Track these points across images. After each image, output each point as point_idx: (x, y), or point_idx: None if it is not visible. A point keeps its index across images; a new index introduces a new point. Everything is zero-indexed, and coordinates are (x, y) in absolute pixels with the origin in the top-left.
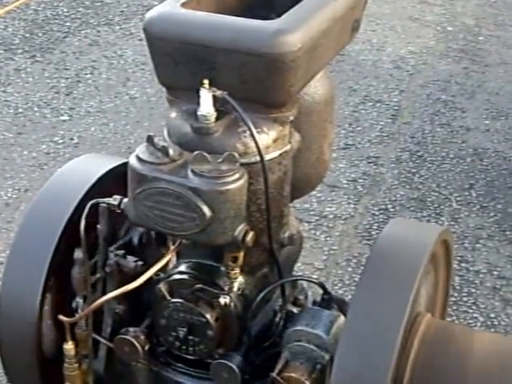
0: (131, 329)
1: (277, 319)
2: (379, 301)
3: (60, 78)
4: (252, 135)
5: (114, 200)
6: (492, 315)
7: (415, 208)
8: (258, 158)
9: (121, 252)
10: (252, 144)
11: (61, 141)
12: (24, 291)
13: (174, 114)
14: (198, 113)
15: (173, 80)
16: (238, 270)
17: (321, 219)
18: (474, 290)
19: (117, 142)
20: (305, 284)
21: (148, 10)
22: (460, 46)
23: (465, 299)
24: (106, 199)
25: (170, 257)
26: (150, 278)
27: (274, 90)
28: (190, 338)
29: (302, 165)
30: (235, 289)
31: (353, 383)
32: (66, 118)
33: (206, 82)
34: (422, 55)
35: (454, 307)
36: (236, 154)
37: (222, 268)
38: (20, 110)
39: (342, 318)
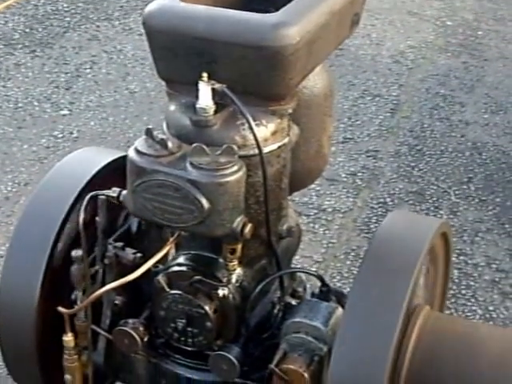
0: (130, 320)
1: (275, 311)
2: (377, 293)
3: (60, 72)
4: (250, 128)
5: (113, 192)
6: (491, 308)
7: (414, 201)
8: (256, 151)
9: (119, 244)
10: (250, 137)
11: (60, 135)
12: (23, 283)
13: (173, 107)
14: (197, 106)
15: (172, 73)
16: (236, 262)
17: (320, 212)
18: (472, 283)
19: (116, 135)
20: (303, 276)
21: (147, 4)
22: (459, 41)
23: (463, 292)
24: (104, 191)
25: (168, 248)
26: (149, 270)
27: (273, 83)
28: (189, 329)
29: (301, 158)
30: (234, 281)
31: (351, 375)
32: (65, 112)
33: (204, 75)
34: (421, 50)
35: (453, 300)
36: (234, 147)
37: (221, 260)
38: (20, 105)
39: (340, 310)
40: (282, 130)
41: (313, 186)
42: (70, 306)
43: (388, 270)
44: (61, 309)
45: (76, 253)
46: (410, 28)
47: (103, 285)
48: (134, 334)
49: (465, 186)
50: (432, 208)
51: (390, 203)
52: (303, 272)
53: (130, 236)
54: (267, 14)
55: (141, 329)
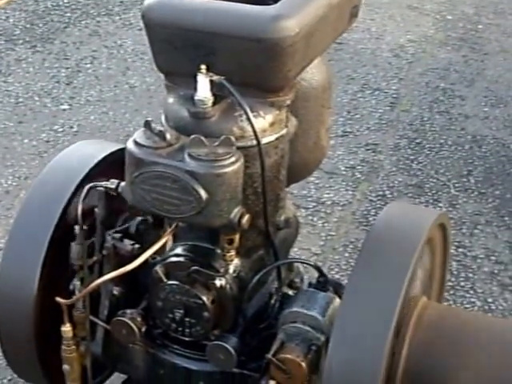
0: (128, 311)
1: (272, 301)
2: (374, 283)
3: (60, 67)
4: (248, 119)
5: (112, 183)
6: (489, 300)
7: (413, 194)
8: (254, 142)
9: (118, 235)
10: (249, 128)
11: (61, 129)
12: (22, 274)
13: (171, 100)
14: (195, 97)
15: (171, 66)
16: (233, 253)
17: (318, 205)
18: (471, 275)
19: (116, 130)
20: (301, 268)
21: None
22: (459, 35)
23: (462, 284)
24: (103, 183)
25: (166, 239)
26: (147, 261)
27: (272, 75)
28: (186, 319)
29: (300, 149)
30: (231, 271)
31: (348, 365)
32: (66, 107)
33: (203, 67)
34: (421, 44)
35: (452, 292)
36: (232, 138)
37: (218, 250)
38: (21, 100)
39: (338, 300)
40: (280, 122)
41: (312, 178)
42: (69, 296)
43: (385, 261)
44: (59, 299)
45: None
46: (410, 22)
47: (101, 275)
48: (132, 325)
49: (464, 179)
50: (431, 201)
51: (389, 196)
52: (300, 262)
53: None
54: (266, 7)
55: (138, 319)
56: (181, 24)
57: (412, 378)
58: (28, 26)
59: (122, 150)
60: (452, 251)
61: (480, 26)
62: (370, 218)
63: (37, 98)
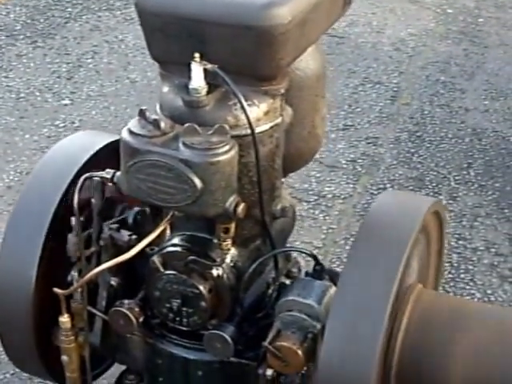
0: (126, 301)
1: (270, 291)
2: (369, 271)
3: (61, 62)
4: (242, 108)
5: (107, 173)
6: (489, 291)
7: (414, 187)
8: (248, 131)
9: (115, 226)
10: (243, 117)
11: (62, 124)
12: (20, 265)
13: (166, 88)
14: (190, 86)
15: (164, 54)
16: (229, 242)
17: (320, 199)
18: (471, 267)
19: (117, 125)
20: (299, 258)
21: None
22: (460, 28)
23: (462, 276)
24: (99, 173)
25: (162, 228)
26: (145, 251)
27: (265, 63)
28: (184, 309)
29: (295, 139)
30: (228, 260)
31: (343, 352)
32: (67, 102)
33: (196, 55)
34: (421, 37)
35: (452, 284)
36: (226, 126)
37: (215, 240)
38: (22, 95)
39: (334, 288)
40: (274, 110)
41: (313, 172)
42: (67, 288)
43: (380, 248)
44: (56, 290)
45: (73, 235)
46: (411, 16)
47: (98, 266)
48: (130, 315)
49: (464, 172)
50: (432, 193)
51: (390, 189)
52: (296, 251)
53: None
54: None
55: (136, 309)
56: (174, 12)
57: (408, 364)
58: (29, 21)
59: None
60: (452, 243)
61: (480, 20)
62: None
63: (38, 94)
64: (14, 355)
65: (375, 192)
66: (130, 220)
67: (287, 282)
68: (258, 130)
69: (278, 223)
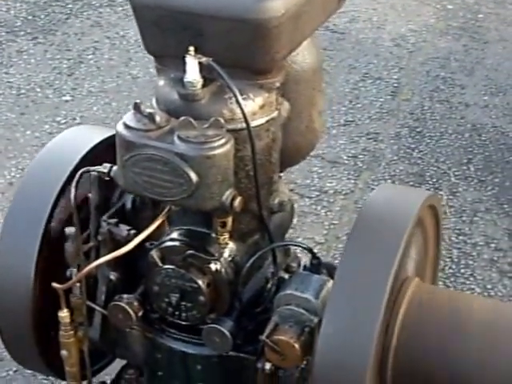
0: (125, 296)
1: (269, 285)
2: (365, 264)
3: (62, 59)
4: (237, 101)
5: (104, 168)
6: (489, 286)
7: (414, 183)
8: (244, 125)
9: (113, 220)
10: (238, 110)
11: (63, 121)
12: (18, 261)
13: (161, 82)
14: (185, 80)
15: (159, 48)
16: (227, 236)
17: (321, 194)
18: (471, 262)
19: (119, 121)
20: (301, 254)
21: None
22: (460, 24)
23: (462, 271)
24: (96, 167)
25: (160, 222)
26: (144, 246)
27: (259, 57)
28: (183, 303)
29: (292, 133)
30: (226, 255)
31: (340, 346)
32: (68, 98)
33: (191, 48)
34: (421, 33)
35: (452, 279)
36: (222, 120)
37: (213, 235)
38: (22, 91)
39: (331, 282)
40: (270, 104)
41: (314, 168)
42: (66, 282)
43: (375, 242)
44: (55, 284)
45: (69, 230)
46: (411, 12)
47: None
48: (129, 309)
49: (464, 167)
50: (432, 189)
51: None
52: (292, 245)
53: (125, 214)
54: None
55: (135, 304)
56: (168, 6)
57: (404, 358)
58: (29, 17)
59: None
60: (452, 239)
61: (480, 16)
62: None
63: (39, 90)
64: (15, 351)
65: (376, 188)
66: (129, 205)
67: (286, 276)
68: (253, 123)
69: (276, 217)
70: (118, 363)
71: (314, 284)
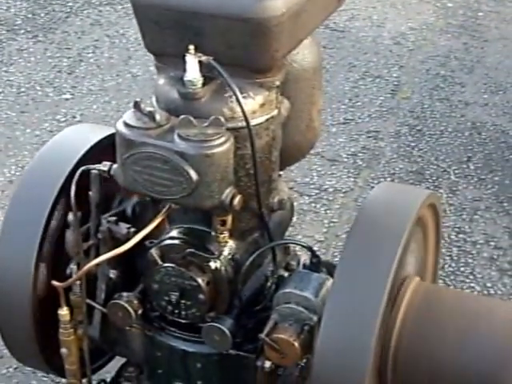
0: (124, 294)
1: (268, 284)
2: (365, 263)
3: (62, 57)
4: (237, 100)
5: (104, 166)
6: (489, 285)
7: (414, 181)
8: (244, 123)
9: (113, 219)
10: (238, 109)
11: (63, 119)
12: (18, 259)
13: (161, 81)
14: (185, 78)
15: (159, 47)
16: (226, 234)
17: (321, 192)
18: (471, 261)
19: (118, 119)
20: (301, 252)
21: None
22: (460, 22)
23: (462, 269)
24: (96, 165)
25: (159, 220)
26: (143, 245)
27: (259, 55)
28: (182, 302)
29: (292, 132)
30: (226, 253)
31: (339, 344)
32: (68, 96)
33: (191, 47)
34: (421, 31)
35: (452, 277)
36: (222, 118)
37: (213, 233)
38: (23, 90)
39: (331, 280)
40: (270, 103)
41: (314, 166)
42: (66, 280)
43: (375, 240)
44: (54, 282)
45: (71, 218)
46: (411, 10)
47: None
48: (128, 308)
49: (464, 165)
50: (432, 187)
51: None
52: (293, 243)
53: (125, 216)
54: None
55: (135, 302)
56: (168, 4)
57: (404, 356)
58: (29, 15)
59: None
60: (452, 237)
61: (480, 14)
62: None
63: (39, 88)
64: (15, 348)
65: (376, 186)
66: (129, 211)
67: (285, 274)
68: (253, 122)
69: (275, 216)
70: (118, 361)
71: (314, 282)
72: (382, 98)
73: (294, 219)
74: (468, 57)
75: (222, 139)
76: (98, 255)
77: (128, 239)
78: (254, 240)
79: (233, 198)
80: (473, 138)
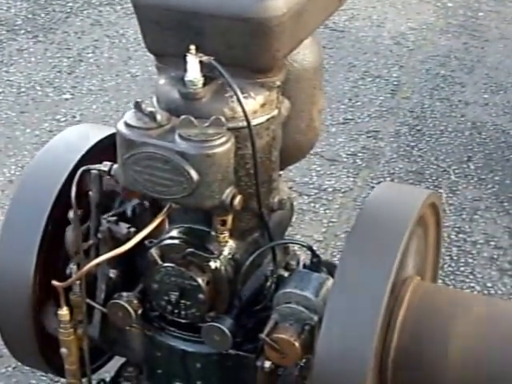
0: (124, 294)
1: (268, 284)
2: (366, 263)
3: (62, 57)
4: (238, 100)
5: (105, 166)
6: (489, 284)
7: (414, 181)
8: (245, 123)
9: (113, 218)
10: (239, 109)
11: (63, 119)
12: (18, 258)
13: (162, 81)
14: (186, 78)
15: (160, 47)
16: (227, 234)
17: (320, 192)
18: (471, 260)
19: (118, 119)
20: (300, 252)
21: None
22: (460, 22)
23: (462, 269)
24: (96, 166)
25: (160, 220)
26: (143, 244)
27: (260, 55)
28: (182, 301)
29: (293, 132)
30: (226, 253)
31: (340, 344)
32: (68, 96)
33: (192, 47)
34: (421, 31)
35: (452, 277)
36: (222, 118)
37: (213, 233)
38: (23, 90)
39: (331, 280)
40: (270, 103)
41: (313, 166)
42: (66, 280)
43: (376, 240)
44: (54, 282)
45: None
46: (411, 10)
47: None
48: (128, 307)
49: (464, 165)
50: (432, 187)
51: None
52: (293, 243)
53: (125, 216)
54: None
55: (135, 302)
56: (169, 4)
57: (404, 355)
58: (30, 16)
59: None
60: (452, 237)
61: (480, 13)
62: None
63: (39, 88)
64: (14, 348)
65: (375, 185)
66: (129, 212)
67: (285, 274)
68: (254, 122)
69: (275, 216)
70: (118, 361)
71: (314, 282)
72: (381, 97)
73: (293, 219)
74: (468, 57)
75: (223, 139)
76: (97, 255)
77: (128, 239)
78: (253, 240)
79: (233, 197)
80: (473, 138)
